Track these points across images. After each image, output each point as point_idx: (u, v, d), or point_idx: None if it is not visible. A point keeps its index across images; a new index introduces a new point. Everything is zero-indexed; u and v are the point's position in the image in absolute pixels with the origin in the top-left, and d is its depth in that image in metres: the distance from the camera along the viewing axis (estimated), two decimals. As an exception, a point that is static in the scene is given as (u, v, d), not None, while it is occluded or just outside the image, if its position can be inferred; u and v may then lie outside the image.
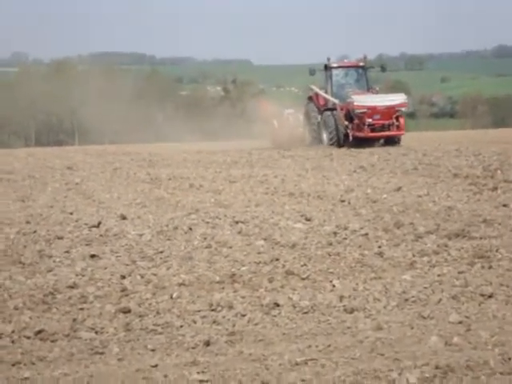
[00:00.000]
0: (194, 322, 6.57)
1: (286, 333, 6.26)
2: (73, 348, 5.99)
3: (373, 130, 31.02)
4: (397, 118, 31.23)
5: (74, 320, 6.63)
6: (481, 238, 9.47)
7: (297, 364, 5.48)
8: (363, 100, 31.16)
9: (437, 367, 5.24)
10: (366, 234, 9.94)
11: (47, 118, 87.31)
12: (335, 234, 10.09)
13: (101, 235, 10.70)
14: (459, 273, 7.84)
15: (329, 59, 33.68)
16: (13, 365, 5.67)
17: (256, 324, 6.50)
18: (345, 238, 9.78)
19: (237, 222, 11.34)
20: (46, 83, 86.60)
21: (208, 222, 11.47)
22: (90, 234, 10.85)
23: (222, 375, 5.33)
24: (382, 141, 31.66)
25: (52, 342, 6.18)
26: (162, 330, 6.40)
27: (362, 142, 30.55)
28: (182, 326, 6.47)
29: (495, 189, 14.12)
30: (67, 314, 6.87)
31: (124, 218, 12.19)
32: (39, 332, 6.31)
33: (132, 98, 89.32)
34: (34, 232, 11.09)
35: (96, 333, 6.33)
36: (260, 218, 11.71)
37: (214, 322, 6.57)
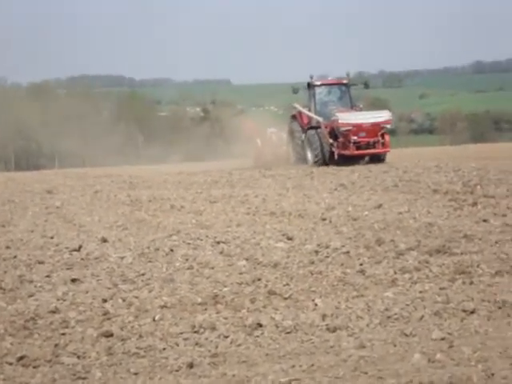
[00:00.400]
0: (177, 345, 6.54)
1: (270, 353, 6.25)
2: (55, 374, 5.95)
3: (358, 148, 30.89)
4: (382, 136, 31.16)
5: (56, 345, 6.59)
6: (462, 254, 9.50)
7: (280, 384, 5.47)
8: (348, 118, 31.08)
9: (420, 384, 5.24)
10: (348, 252, 9.95)
11: (26, 142, 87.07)
12: (317, 252, 10.10)
13: (82, 259, 10.65)
14: (441, 289, 7.85)
15: (312, 77, 33.60)
16: (-6, 392, 5.63)
17: (239, 345, 6.48)
18: (326, 257, 9.78)
19: (218, 243, 11.33)
20: (25, 107, 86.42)
21: (189, 243, 11.45)
22: (70, 257, 10.80)
23: (206, 397, 5.31)
24: (366, 158, 31.48)
25: (34, 367, 6.13)
26: (144, 353, 6.37)
27: (347, 160, 30.42)
28: (164, 349, 6.44)
29: (475, 204, 14.19)
30: (49, 339, 6.83)
31: (105, 240, 12.15)
32: (21, 358, 6.26)
33: (111, 121, 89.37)
34: (15, 257, 11.03)
35: (78, 358, 6.29)
36: (241, 237, 11.71)
37: (197, 343, 6.55)
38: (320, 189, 19.78)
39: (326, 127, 31.36)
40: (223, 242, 11.34)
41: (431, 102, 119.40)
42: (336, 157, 30.86)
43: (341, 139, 30.89)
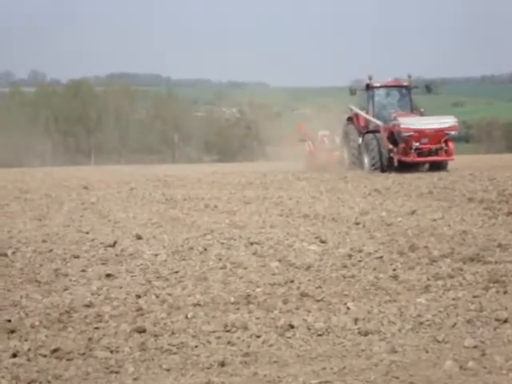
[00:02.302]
0: (209, 343, 6.58)
1: (301, 354, 6.27)
2: (88, 367, 6.02)
3: (420, 155, 29.38)
4: (445, 142, 29.56)
5: (90, 339, 6.66)
6: (496, 263, 9.45)
7: (311, 386, 5.49)
8: (410, 122, 29.50)
9: (451, 391, 5.24)
10: (381, 257, 9.94)
11: (64, 138, 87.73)
12: (350, 256, 10.11)
13: (116, 255, 10.75)
14: (474, 297, 7.83)
15: (370, 78, 31.84)
16: (29, 383, 5.69)
17: (271, 345, 6.51)
18: (359, 261, 9.79)
19: (252, 243, 11.37)
20: (64, 103, 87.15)
21: (223, 243, 11.50)
22: (105, 253, 10.90)
23: (237, 396, 5.35)
24: (426, 166, 30.08)
25: (68, 360, 6.20)
26: (176, 350, 6.42)
27: (406, 167, 29.01)
28: (196, 347, 6.49)
29: (510, 213, 14.09)
30: (83, 332, 6.91)
31: (139, 237, 12.25)
32: (55, 350, 6.34)
33: (148, 119, 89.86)
34: (51, 251, 11.15)
35: (111, 352, 6.35)
36: (275, 239, 11.74)
37: (229, 342, 6.58)
38: (354, 193, 19.76)
39: (385, 131, 29.93)
40: (256, 243, 11.37)
41: (467, 110, 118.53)
42: (395, 163, 29.39)
43: (401, 145, 29.40)
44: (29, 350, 6.37)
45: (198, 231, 13.04)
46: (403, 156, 29.38)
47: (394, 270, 9.20)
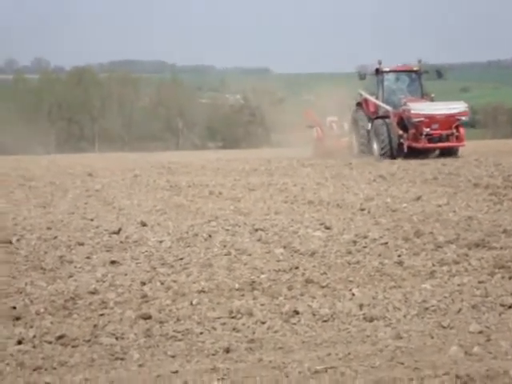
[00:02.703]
0: (214, 329, 6.58)
1: (306, 341, 6.26)
2: (93, 353, 6.02)
3: (430, 141, 28.89)
4: (456, 128, 29.08)
5: (95, 326, 6.66)
6: (501, 248, 9.43)
7: (316, 372, 5.49)
8: (420, 108, 29.09)
9: (457, 377, 5.24)
10: (386, 243, 9.93)
11: (68, 125, 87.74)
12: (355, 242, 10.09)
13: (121, 242, 10.75)
14: (479, 283, 7.81)
15: (380, 63, 31.26)
16: (34, 369, 5.70)
17: (276, 331, 6.50)
18: (364, 247, 9.77)
19: (256, 230, 11.36)
20: (67, 90, 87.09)
21: (228, 230, 11.50)
22: (110, 240, 10.91)
23: (242, 382, 5.35)
24: (437, 152, 29.56)
25: (73, 347, 6.20)
26: (182, 336, 6.42)
27: (416, 153, 28.54)
28: (201, 333, 6.48)
29: (516, 199, 14.06)
30: (88, 319, 6.91)
31: (144, 224, 12.25)
32: (60, 337, 6.34)
33: (152, 106, 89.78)
34: (55, 238, 11.16)
35: (116, 339, 6.35)
36: (279, 225, 11.73)
37: (234, 329, 6.58)
38: (359, 179, 19.74)
39: (394, 117, 29.43)
40: (261, 230, 11.37)
41: (473, 95, 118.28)
42: (405, 149, 28.91)
43: (412, 131, 28.89)
44: (34, 336, 6.38)
45: (202, 218, 13.04)
46: (413, 142, 28.91)
47: (399, 255, 9.19)
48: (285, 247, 9.94)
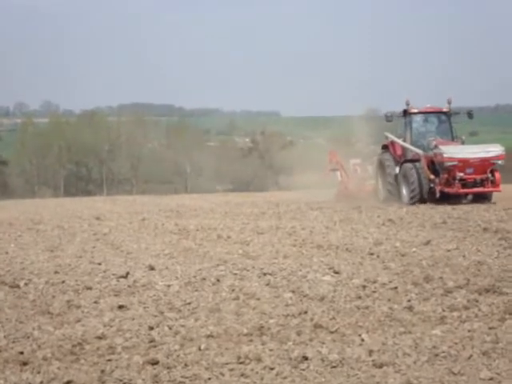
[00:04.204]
0: (222, 375, 6.53)
1: (315, 387, 6.20)
2: (101, 399, 5.97)
3: (464, 186, 27.43)
4: (491, 173, 27.59)
5: (103, 371, 6.61)
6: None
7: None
8: (453, 151, 27.71)
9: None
10: (396, 288, 9.88)
11: (76, 168, 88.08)
12: (364, 287, 10.04)
13: (129, 286, 10.72)
14: (490, 328, 7.75)
15: (408, 104, 29.93)
16: (41, 416, 5.65)
17: (284, 377, 6.45)
18: (374, 292, 9.72)
19: (265, 274, 11.32)
20: (76, 133, 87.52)
21: (236, 274, 11.46)
22: (118, 284, 10.87)
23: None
24: (469, 197, 28.17)
25: (80, 393, 6.16)
26: (190, 382, 6.37)
27: (447, 198, 27.24)
28: (210, 379, 6.43)
29: (525, 244, 13.99)
30: (95, 364, 6.86)
31: (152, 268, 12.22)
32: (68, 383, 6.30)
33: (160, 149, 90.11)
34: (63, 282, 11.13)
35: (124, 384, 6.31)
36: (288, 270, 11.68)
37: (242, 374, 6.53)
38: (368, 223, 19.68)
39: (425, 160, 28.17)
40: (269, 274, 11.32)
41: (482, 139, 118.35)
42: (438, 195, 27.56)
43: (444, 175, 27.60)
44: (41, 382, 6.34)
45: (210, 262, 13.00)
46: (446, 187, 27.61)
47: (409, 301, 9.14)
48: (293, 292, 9.90)
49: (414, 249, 13.71)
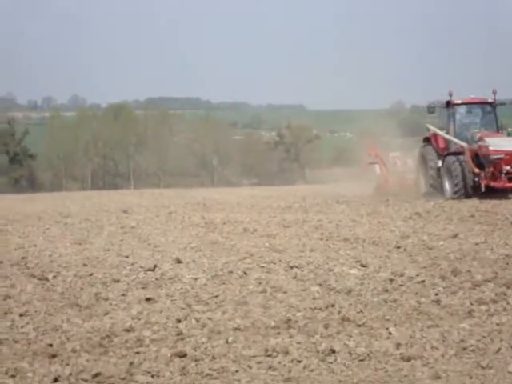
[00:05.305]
0: (250, 368, 6.54)
1: (343, 380, 6.21)
2: (129, 391, 6.00)
3: (511, 180, 26.41)
4: None
5: (131, 363, 6.65)
6: (540, 287, 9.31)
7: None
8: (500, 143, 26.66)
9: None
10: (423, 281, 9.85)
11: (104, 162, 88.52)
12: (391, 280, 10.02)
13: (156, 279, 10.76)
14: (518, 322, 7.71)
15: (451, 95, 28.84)
16: (70, 407, 5.70)
17: (312, 370, 6.45)
18: (401, 285, 9.70)
19: (291, 267, 11.33)
20: (103, 127, 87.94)
21: (263, 267, 11.47)
22: (145, 277, 10.92)
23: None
24: None
25: (109, 385, 6.20)
26: (217, 374, 6.39)
27: (493, 193, 26.08)
28: (237, 371, 6.45)
29: (554, 237, 13.90)
30: (124, 357, 6.90)
31: (179, 261, 12.25)
32: (96, 375, 6.33)
33: (187, 143, 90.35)
34: (91, 275, 11.20)
35: (152, 376, 6.34)
36: (315, 263, 11.68)
37: (270, 367, 6.54)
38: (395, 216, 19.62)
39: (469, 153, 27.06)
40: (296, 267, 11.33)
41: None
42: (483, 189, 26.40)
43: (490, 168, 26.54)
44: (70, 374, 6.38)
45: (237, 255, 13.02)
46: (492, 181, 26.52)
47: (437, 294, 9.11)
48: (320, 285, 9.89)
49: (441, 242, 13.66)
